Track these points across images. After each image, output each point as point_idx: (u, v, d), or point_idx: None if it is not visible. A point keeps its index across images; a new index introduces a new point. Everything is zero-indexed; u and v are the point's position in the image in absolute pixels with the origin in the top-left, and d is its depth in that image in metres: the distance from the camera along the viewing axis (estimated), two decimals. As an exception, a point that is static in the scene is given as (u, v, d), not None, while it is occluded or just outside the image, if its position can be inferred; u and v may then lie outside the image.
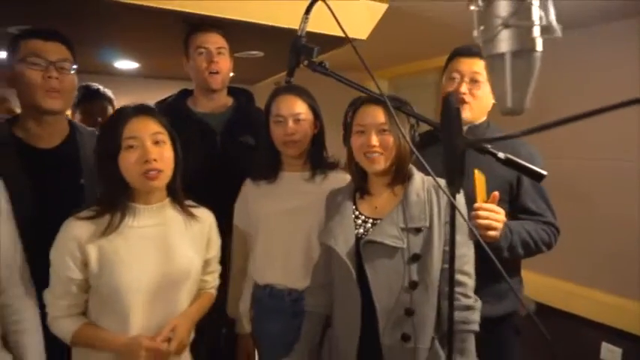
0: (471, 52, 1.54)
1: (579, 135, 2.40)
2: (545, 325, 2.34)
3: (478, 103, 1.56)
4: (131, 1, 1.63)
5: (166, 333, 1.22)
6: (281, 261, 1.57)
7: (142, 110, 1.25)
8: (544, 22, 0.64)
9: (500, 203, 1.48)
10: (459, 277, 1.26)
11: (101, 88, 2.27)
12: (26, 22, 1.86)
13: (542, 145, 1.62)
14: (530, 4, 0.64)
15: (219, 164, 1.73)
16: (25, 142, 1.39)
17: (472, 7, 0.68)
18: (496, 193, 1.38)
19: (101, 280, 1.20)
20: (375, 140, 1.26)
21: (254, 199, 1.62)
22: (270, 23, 1.83)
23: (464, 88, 1.53)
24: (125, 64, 3.02)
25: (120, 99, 2.34)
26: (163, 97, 1.91)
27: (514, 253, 1.46)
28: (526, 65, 0.65)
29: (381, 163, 1.28)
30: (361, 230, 1.31)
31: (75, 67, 1.42)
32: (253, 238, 1.63)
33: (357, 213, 1.35)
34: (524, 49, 0.64)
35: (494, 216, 1.37)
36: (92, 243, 1.19)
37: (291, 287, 1.57)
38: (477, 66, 1.54)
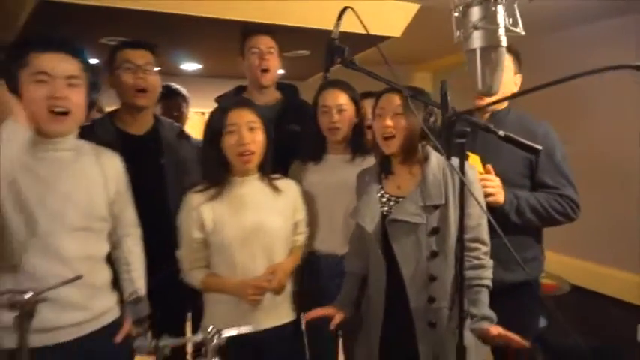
0: (516, 35, 1.69)
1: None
2: (582, 307, 2.50)
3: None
4: (197, 14, 1.95)
5: (267, 274, 1.54)
6: (323, 230, 1.83)
7: (240, 103, 1.60)
8: (508, 24, 0.85)
9: (522, 179, 1.66)
10: (473, 244, 1.44)
11: (179, 87, 2.61)
12: (113, 34, 2.25)
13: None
14: (496, 11, 0.84)
15: (271, 147, 2.00)
16: (122, 130, 1.76)
17: (455, 14, 0.89)
18: (489, 166, 1.56)
19: (213, 237, 1.54)
20: (389, 122, 1.44)
21: (302, 178, 1.88)
22: (314, 26, 2.09)
23: None
24: (189, 66, 3.40)
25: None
26: (221, 93, 2.21)
27: (525, 218, 1.61)
28: (493, 57, 0.85)
29: (393, 146, 1.45)
30: (386, 208, 1.49)
31: (157, 68, 1.77)
32: None
33: (382, 192, 1.52)
34: (491, 45, 0.85)
35: (486, 183, 1.55)
36: (205, 209, 1.54)
37: (331, 252, 1.82)
38: None
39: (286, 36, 2.21)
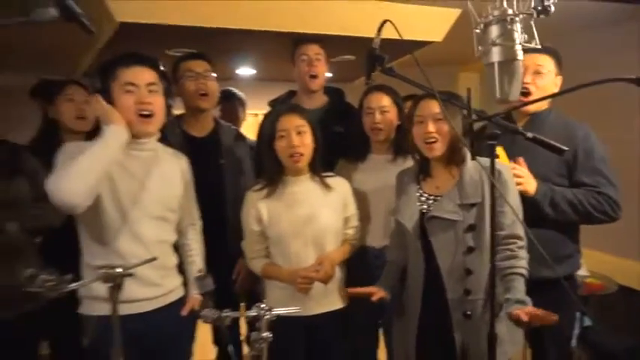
0: (533, 48, 1.76)
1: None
2: (629, 307, 2.50)
3: (540, 93, 1.75)
4: (251, 28, 2.16)
5: (315, 265, 1.71)
6: (367, 224, 1.96)
7: (290, 109, 1.77)
8: (523, 40, 0.95)
9: (559, 179, 1.72)
10: (508, 240, 1.51)
11: (237, 91, 2.86)
12: (178, 46, 2.52)
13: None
14: (513, 29, 0.95)
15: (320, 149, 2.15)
16: (187, 132, 2.01)
17: (476, 31, 1.01)
18: (520, 159, 1.64)
19: (269, 230, 1.74)
20: (432, 127, 1.52)
21: (347, 175, 2.01)
22: (358, 34, 2.23)
23: (528, 79, 1.74)
24: (245, 71, 3.67)
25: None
26: (274, 97, 2.39)
27: (559, 210, 1.66)
28: (510, 70, 0.96)
29: (438, 150, 1.53)
30: (425, 207, 1.58)
31: (214, 75, 2.00)
32: None
33: (420, 192, 1.62)
34: (507, 59, 0.96)
35: (514, 172, 1.61)
36: (262, 205, 1.74)
37: (374, 245, 1.95)
38: (540, 59, 1.74)
39: (333, 43, 2.37)
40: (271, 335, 1.29)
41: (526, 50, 1.77)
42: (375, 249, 1.94)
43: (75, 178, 1.32)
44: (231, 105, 2.81)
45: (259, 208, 1.74)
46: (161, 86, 1.54)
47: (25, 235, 1.72)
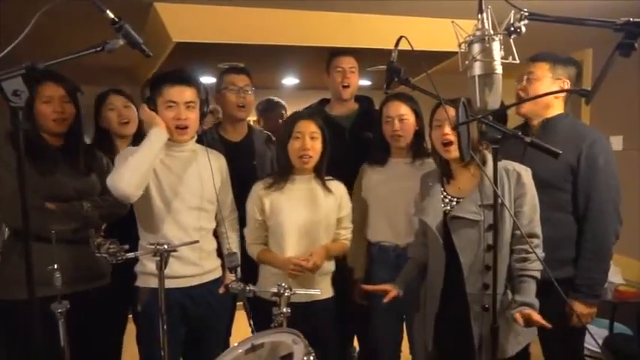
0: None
1: None
2: None
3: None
4: (294, 44, 2.40)
5: (307, 255, 1.87)
6: (388, 223, 2.10)
7: (307, 115, 1.94)
8: (502, 56, 1.09)
9: (563, 183, 1.80)
10: (524, 239, 1.59)
11: (280, 100, 3.13)
12: (228, 60, 2.81)
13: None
14: (491, 48, 1.09)
15: (348, 151, 2.30)
16: (224, 137, 2.25)
17: (461, 49, 1.16)
18: None
19: (271, 220, 1.94)
20: (448, 130, 1.63)
21: (369, 178, 2.18)
22: (391, 47, 2.40)
23: (520, 86, 1.87)
24: (289, 81, 3.96)
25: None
26: (309, 104, 2.58)
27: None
28: (489, 82, 1.10)
29: (455, 152, 1.62)
30: (448, 207, 1.69)
31: (253, 88, 2.23)
32: (369, 206, 2.18)
33: (444, 194, 1.73)
34: (487, 73, 1.10)
35: None
36: (267, 197, 1.92)
37: (395, 243, 2.08)
38: (531, 67, 1.84)
39: (369, 54, 2.55)
40: (289, 310, 1.49)
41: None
42: (398, 247, 2.06)
43: (128, 173, 1.60)
44: (275, 113, 3.09)
45: (263, 200, 1.92)
46: (198, 101, 1.79)
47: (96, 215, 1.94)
